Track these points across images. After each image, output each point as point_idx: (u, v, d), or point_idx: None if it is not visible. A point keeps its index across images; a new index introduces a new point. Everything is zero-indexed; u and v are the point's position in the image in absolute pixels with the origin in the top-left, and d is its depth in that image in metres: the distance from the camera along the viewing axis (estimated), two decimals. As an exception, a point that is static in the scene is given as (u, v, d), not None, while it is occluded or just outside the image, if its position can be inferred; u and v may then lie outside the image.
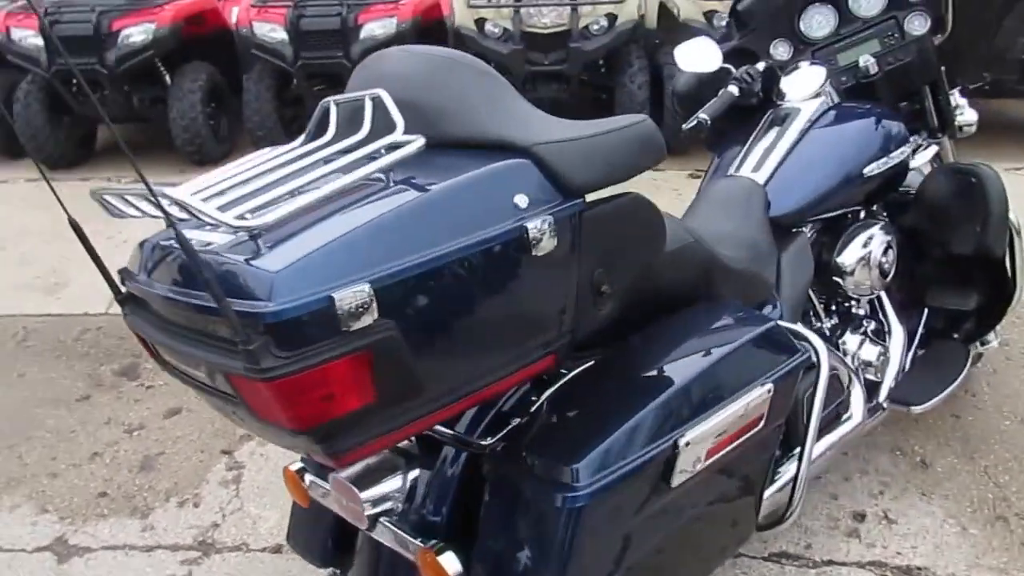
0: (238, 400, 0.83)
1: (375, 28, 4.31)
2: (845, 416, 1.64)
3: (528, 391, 1.13)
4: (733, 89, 1.72)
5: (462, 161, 0.91)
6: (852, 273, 1.66)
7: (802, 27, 1.85)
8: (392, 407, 0.84)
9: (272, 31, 4.41)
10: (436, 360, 0.84)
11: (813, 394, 1.25)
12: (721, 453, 1.04)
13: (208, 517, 1.91)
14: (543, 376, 1.11)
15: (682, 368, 1.06)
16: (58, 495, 2.03)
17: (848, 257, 1.66)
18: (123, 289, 0.95)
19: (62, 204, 0.93)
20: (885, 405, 1.73)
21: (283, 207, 0.81)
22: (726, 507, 1.15)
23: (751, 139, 1.71)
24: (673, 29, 4.46)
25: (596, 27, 4.21)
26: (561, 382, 1.11)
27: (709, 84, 1.81)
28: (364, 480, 1.09)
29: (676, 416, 1.00)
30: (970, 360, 1.86)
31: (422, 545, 1.00)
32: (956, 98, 1.98)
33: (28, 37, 4.60)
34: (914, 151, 1.97)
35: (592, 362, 1.14)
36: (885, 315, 1.84)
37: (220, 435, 2.21)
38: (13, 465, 2.16)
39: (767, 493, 1.26)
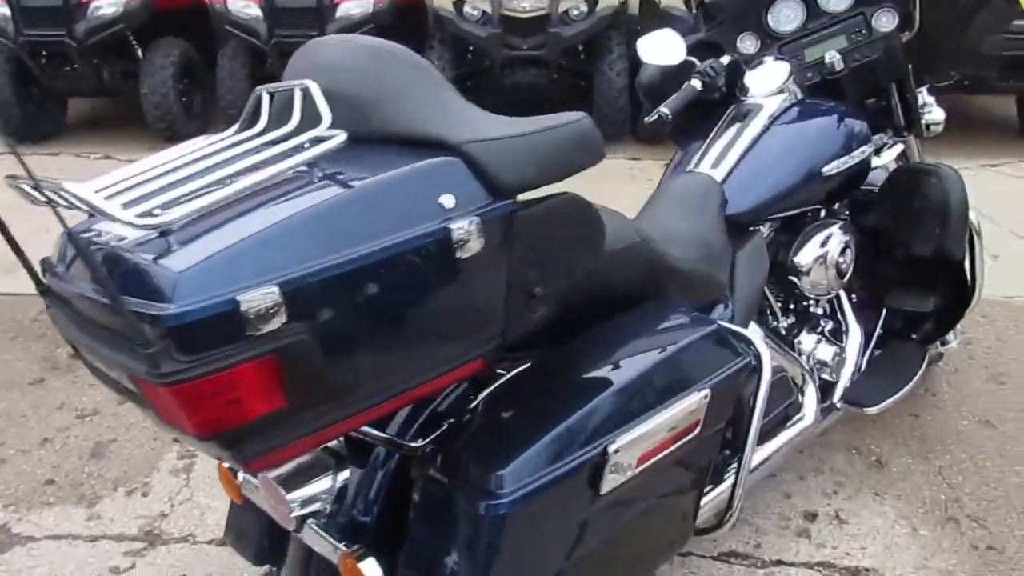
0: (147, 403, 0.80)
1: (351, 7, 4.23)
2: (797, 416, 1.63)
3: (465, 391, 1.11)
4: (696, 83, 1.69)
5: (389, 158, 0.88)
6: (808, 273, 1.64)
7: (770, 21, 1.82)
8: (306, 412, 0.81)
9: (246, 7, 4.32)
10: (353, 364, 0.81)
11: (759, 396, 1.24)
12: (654, 459, 1.03)
13: (156, 507, 1.88)
14: (480, 377, 1.09)
15: (616, 372, 1.04)
16: (3, 482, 1.98)
17: (805, 257, 1.64)
18: (44, 280, 0.92)
19: None
20: (839, 405, 1.72)
21: (192, 204, 0.77)
22: (662, 512, 1.13)
23: (712, 135, 1.68)
24: (655, 16, 4.41)
25: (576, 12, 4.16)
26: (497, 384, 1.09)
27: (674, 77, 1.78)
28: (293, 481, 1.06)
29: (606, 422, 0.98)
30: (926, 361, 1.86)
31: (345, 549, 0.98)
32: (924, 96, 1.96)
33: (-5, 7, 4.48)
34: (880, 149, 1.96)
35: (531, 363, 1.12)
36: (843, 315, 1.83)
37: (174, 422, 2.17)
38: (-40, 449, 2.12)
39: (709, 496, 1.24)
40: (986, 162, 4.47)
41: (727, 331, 1.19)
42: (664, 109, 1.66)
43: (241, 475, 1.20)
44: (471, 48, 4.44)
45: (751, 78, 1.73)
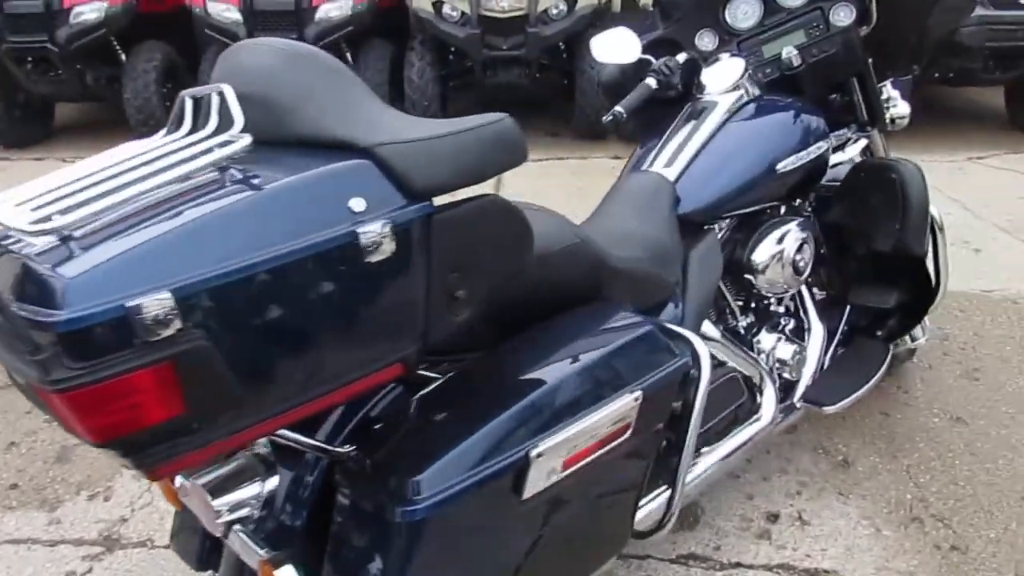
0: (48, 409, 0.80)
1: (330, 9, 4.22)
2: (755, 416, 1.62)
3: (402, 395, 1.10)
4: (650, 81, 1.68)
5: (299, 162, 0.87)
6: (764, 271, 1.62)
7: (727, 18, 1.81)
8: (209, 418, 0.80)
9: (226, 11, 4.32)
10: (257, 370, 0.80)
11: (697, 398, 1.22)
12: (581, 463, 1.01)
13: (117, 511, 1.87)
14: (420, 380, 1.09)
15: (542, 375, 1.02)
16: (-33, 487, 1.98)
17: (760, 254, 1.62)
18: None
19: None
20: (798, 405, 1.71)
21: (87, 208, 0.77)
22: (596, 515, 1.12)
23: (667, 133, 1.67)
24: (638, 14, 4.40)
25: (555, 11, 4.14)
26: (430, 388, 1.08)
27: (634, 75, 1.77)
28: (221, 486, 1.06)
29: (529, 426, 0.97)
30: (888, 359, 1.84)
31: (263, 555, 0.97)
32: (888, 90, 1.95)
33: (-22, 13, 4.49)
34: (844, 144, 1.95)
35: (465, 367, 1.10)
36: (805, 313, 1.82)
37: (141, 427, 2.17)
38: (-74, 456, 2.11)
39: (651, 498, 1.23)
40: (973, 155, 4.45)
41: (666, 332, 1.18)
42: (618, 108, 1.66)
43: (178, 481, 1.19)
44: (452, 49, 4.43)
45: (707, 75, 1.72)
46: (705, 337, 1.56)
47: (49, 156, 4.90)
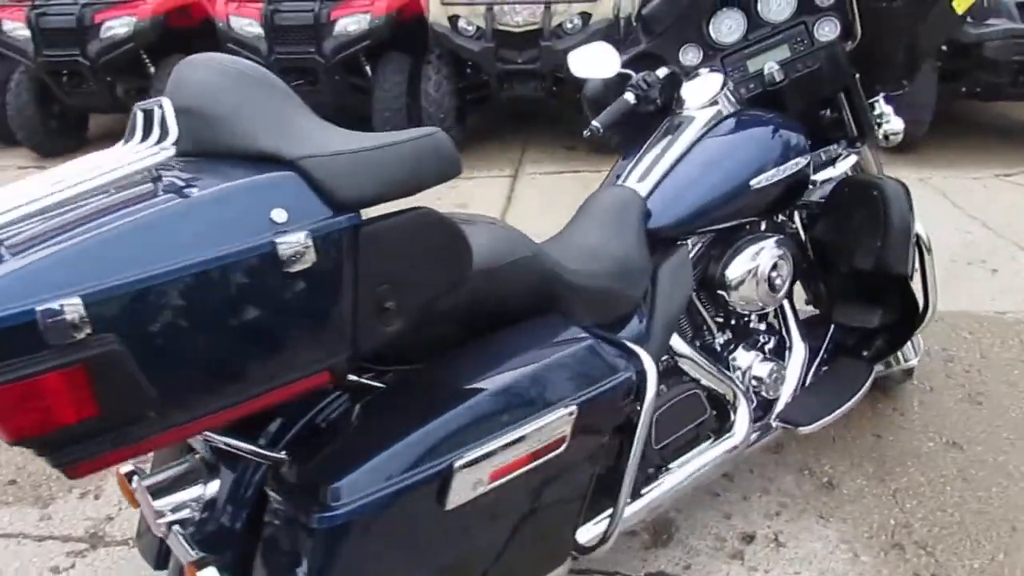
0: None
1: (348, 23, 4.30)
2: (727, 434, 1.60)
3: (343, 404, 1.11)
4: (629, 96, 1.68)
5: (229, 172, 0.89)
6: (737, 288, 1.60)
7: (711, 32, 1.80)
8: (125, 421, 0.83)
9: (249, 25, 4.44)
10: (174, 375, 0.83)
11: (642, 414, 1.21)
12: (510, 476, 1.01)
13: (105, 510, 1.93)
14: (364, 388, 1.10)
15: (474, 387, 1.03)
16: (-33, 482, 2.06)
17: (734, 270, 1.61)
18: None
19: None
20: (774, 424, 1.68)
21: (6, 215, 0.80)
22: (533, 528, 1.12)
23: (644, 148, 1.66)
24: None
25: (569, 25, 4.17)
26: (369, 396, 1.09)
27: (617, 90, 1.77)
28: (165, 488, 1.08)
29: (455, 437, 0.97)
30: (870, 380, 1.79)
31: (191, 556, 0.99)
32: (880, 106, 1.91)
33: (17, 28, 4.69)
34: (834, 160, 1.92)
35: (404, 376, 1.12)
36: (787, 330, 1.79)
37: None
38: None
39: (595, 513, 1.22)
40: (999, 171, 4.32)
41: (611, 346, 1.17)
42: (595, 123, 1.66)
43: (135, 481, 1.23)
44: (469, 63, 4.47)
45: (687, 90, 1.71)
46: (675, 353, 1.56)
47: (82, 165, 5.07)
